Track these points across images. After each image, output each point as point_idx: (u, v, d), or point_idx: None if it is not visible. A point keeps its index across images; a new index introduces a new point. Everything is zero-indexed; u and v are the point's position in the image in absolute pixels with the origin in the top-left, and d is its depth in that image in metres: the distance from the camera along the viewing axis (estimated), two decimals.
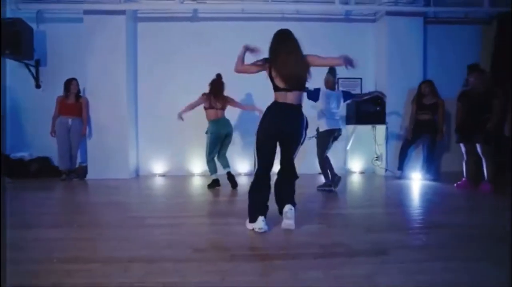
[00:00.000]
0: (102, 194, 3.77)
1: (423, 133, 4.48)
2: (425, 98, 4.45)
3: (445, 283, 1.41)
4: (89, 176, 4.72)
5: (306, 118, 2.29)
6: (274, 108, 2.19)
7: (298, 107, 2.22)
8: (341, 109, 3.89)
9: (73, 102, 4.57)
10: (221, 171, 3.90)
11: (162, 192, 4.00)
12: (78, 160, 4.83)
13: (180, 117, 3.75)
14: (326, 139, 3.68)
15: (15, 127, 4.92)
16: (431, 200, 3.30)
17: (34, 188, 4.04)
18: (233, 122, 4.14)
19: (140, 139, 5.09)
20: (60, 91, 4.60)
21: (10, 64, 4.76)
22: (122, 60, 4.70)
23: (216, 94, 3.72)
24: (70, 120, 4.56)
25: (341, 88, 5.08)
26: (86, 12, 4.57)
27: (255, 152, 2.23)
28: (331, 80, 3.74)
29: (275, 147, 2.24)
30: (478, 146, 3.63)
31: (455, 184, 3.87)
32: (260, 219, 2.09)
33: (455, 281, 1.43)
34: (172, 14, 4.92)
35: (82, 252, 1.82)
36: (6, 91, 4.85)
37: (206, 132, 3.81)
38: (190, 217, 2.63)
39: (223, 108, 3.81)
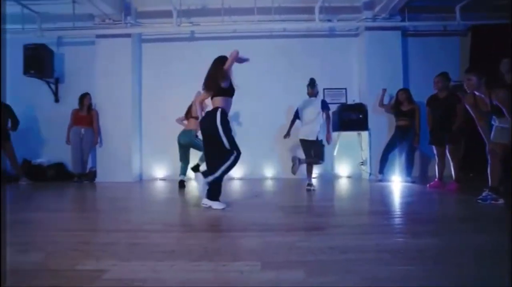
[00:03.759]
0: (98, 193, 4.25)
1: (403, 138, 4.76)
2: (402, 105, 4.76)
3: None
4: (98, 179, 5.28)
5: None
6: None
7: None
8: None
9: (85, 114, 5.21)
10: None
11: (150, 192, 4.36)
12: (89, 165, 5.43)
13: None
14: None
15: (36, 137, 5.61)
16: (388, 195, 3.59)
17: (47, 188, 4.58)
18: None
19: (143, 147, 5.64)
20: (75, 105, 5.26)
21: (34, 82, 5.49)
22: (128, 77, 5.34)
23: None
24: (82, 130, 5.17)
25: (328, 98, 5.52)
26: (98, 36, 5.28)
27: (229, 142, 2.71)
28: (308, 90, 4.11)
29: None
30: (447, 147, 3.91)
31: (427, 185, 4.12)
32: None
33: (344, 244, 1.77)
34: (172, 35, 5.56)
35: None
36: (30, 105, 5.58)
37: None
38: (163, 205, 3.05)
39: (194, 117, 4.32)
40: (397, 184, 4.47)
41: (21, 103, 5.40)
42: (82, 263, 1.50)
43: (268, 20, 5.28)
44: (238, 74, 5.33)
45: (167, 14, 5.12)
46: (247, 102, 5.48)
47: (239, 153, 2.74)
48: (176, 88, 5.55)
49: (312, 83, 4.07)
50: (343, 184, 4.70)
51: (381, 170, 4.87)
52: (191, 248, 1.73)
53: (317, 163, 4.00)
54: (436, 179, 4.08)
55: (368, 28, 5.25)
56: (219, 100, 2.78)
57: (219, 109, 2.73)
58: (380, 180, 4.81)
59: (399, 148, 4.89)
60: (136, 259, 1.55)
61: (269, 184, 4.81)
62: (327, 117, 4.02)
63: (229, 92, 2.82)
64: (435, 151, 4.13)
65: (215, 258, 1.55)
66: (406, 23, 5.12)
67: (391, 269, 1.40)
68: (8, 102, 5.03)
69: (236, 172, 5.49)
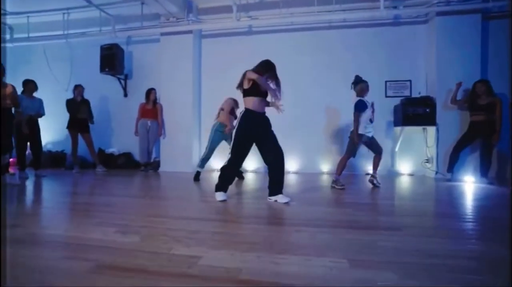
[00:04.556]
0: (165, 182, 4.56)
1: (477, 135, 4.31)
2: (480, 98, 4.29)
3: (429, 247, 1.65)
4: (162, 169, 5.69)
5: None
6: None
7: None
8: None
9: (151, 108, 5.61)
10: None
11: (211, 183, 4.48)
12: (153, 155, 5.87)
13: None
14: None
15: (108, 128, 6.22)
16: (460, 197, 3.26)
17: (119, 176, 5.07)
18: None
19: (202, 139, 5.91)
20: (142, 99, 5.69)
21: (107, 79, 6.07)
22: (189, 71, 5.61)
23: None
24: (149, 122, 5.59)
25: (390, 91, 5.23)
26: (163, 34, 5.61)
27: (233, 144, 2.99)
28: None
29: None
30: None
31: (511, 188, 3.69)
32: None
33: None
34: (231, 30, 5.67)
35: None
36: (103, 100, 6.19)
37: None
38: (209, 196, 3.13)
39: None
40: (469, 185, 4.07)
41: (96, 98, 6.01)
42: (175, 248, 1.63)
43: (327, 11, 5.11)
44: (293, 67, 5.35)
45: (226, 9, 5.25)
46: (304, 95, 5.44)
47: (233, 159, 2.92)
48: (234, 82, 5.64)
49: (356, 81, 3.78)
50: (405, 182, 4.42)
51: (450, 169, 4.49)
52: (272, 240, 1.78)
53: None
54: None
55: (440, 14, 4.78)
56: (245, 101, 2.95)
57: (244, 110, 2.92)
58: (449, 180, 4.43)
59: (473, 146, 4.45)
60: (224, 248, 1.64)
61: (324, 179, 4.72)
62: (355, 119, 3.63)
63: (253, 91, 2.88)
64: None
65: (298, 252, 1.58)
66: (490, 4, 4.54)
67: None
68: (86, 97, 5.63)
69: (291, 166, 5.49)
